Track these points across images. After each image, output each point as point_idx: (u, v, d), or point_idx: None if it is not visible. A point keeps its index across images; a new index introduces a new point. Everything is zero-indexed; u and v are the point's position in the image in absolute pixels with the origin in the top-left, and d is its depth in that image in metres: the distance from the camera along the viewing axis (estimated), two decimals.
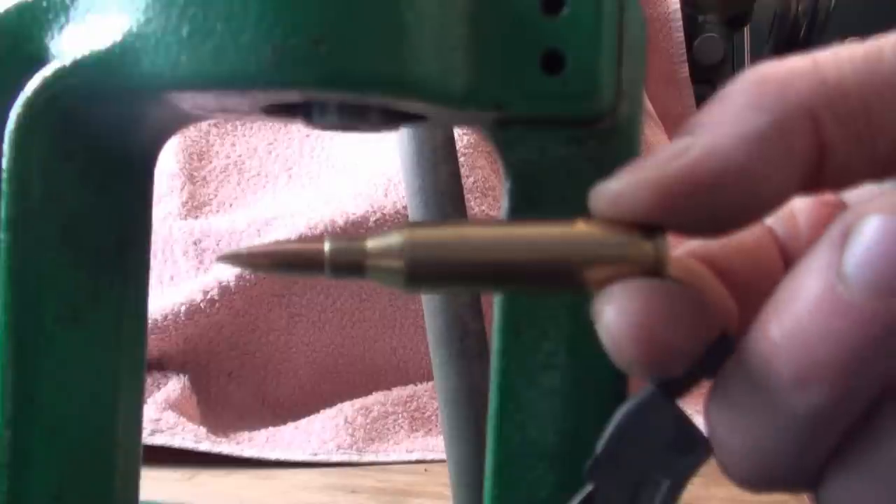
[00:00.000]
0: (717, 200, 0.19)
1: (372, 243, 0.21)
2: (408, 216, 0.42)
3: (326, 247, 0.21)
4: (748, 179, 0.19)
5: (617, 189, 0.20)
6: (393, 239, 0.21)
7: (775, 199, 0.20)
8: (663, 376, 0.21)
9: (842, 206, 0.24)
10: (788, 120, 0.19)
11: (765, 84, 0.19)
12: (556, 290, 0.23)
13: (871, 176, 0.20)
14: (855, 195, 0.24)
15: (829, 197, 0.25)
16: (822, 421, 0.19)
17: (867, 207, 0.18)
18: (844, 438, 0.19)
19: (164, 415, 0.62)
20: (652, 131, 0.93)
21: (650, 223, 0.20)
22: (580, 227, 0.21)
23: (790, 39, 1.23)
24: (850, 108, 0.19)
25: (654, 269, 0.20)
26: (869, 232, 0.18)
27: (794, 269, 0.19)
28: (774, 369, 0.19)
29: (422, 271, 0.21)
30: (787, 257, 0.25)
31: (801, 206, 0.25)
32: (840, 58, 0.19)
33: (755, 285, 0.24)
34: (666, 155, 0.20)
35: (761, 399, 0.19)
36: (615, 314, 0.20)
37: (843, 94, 0.19)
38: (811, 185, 0.20)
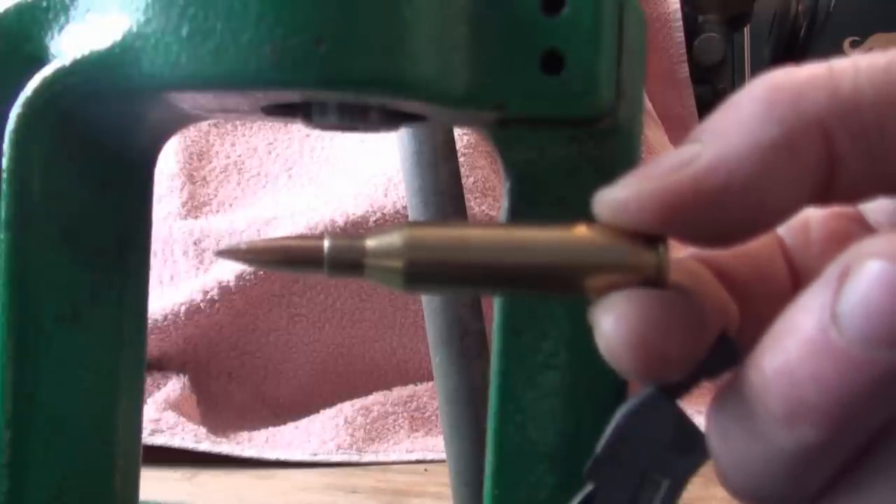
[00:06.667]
0: (722, 214, 0.19)
1: (371, 242, 0.21)
2: (408, 216, 0.42)
3: (326, 244, 0.21)
4: (754, 194, 0.19)
5: (620, 198, 0.20)
6: (393, 239, 0.21)
7: (782, 213, 0.19)
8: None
9: (858, 218, 0.24)
10: (799, 133, 0.18)
11: (777, 93, 0.19)
12: (555, 294, 0.23)
13: (883, 191, 0.20)
14: (871, 208, 0.24)
15: (844, 208, 0.24)
16: (813, 457, 0.18)
17: (869, 247, 0.17)
18: (840, 471, 0.19)
19: (164, 415, 0.62)
20: (652, 131, 0.93)
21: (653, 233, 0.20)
22: (581, 233, 0.21)
23: (790, 39, 1.23)
24: (863, 122, 0.18)
25: (655, 278, 0.20)
26: (866, 278, 0.17)
27: (793, 303, 0.18)
28: (764, 403, 0.18)
29: (421, 272, 0.21)
30: (794, 266, 0.25)
31: (814, 217, 0.25)
32: (858, 68, 0.19)
33: (756, 288, 0.24)
34: (671, 164, 0.19)
35: (752, 428, 0.19)
36: (612, 323, 0.19)
37: (856, 108, 0.18)
38: (821, 198, 0.19)
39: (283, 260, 0.21)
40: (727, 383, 0.20)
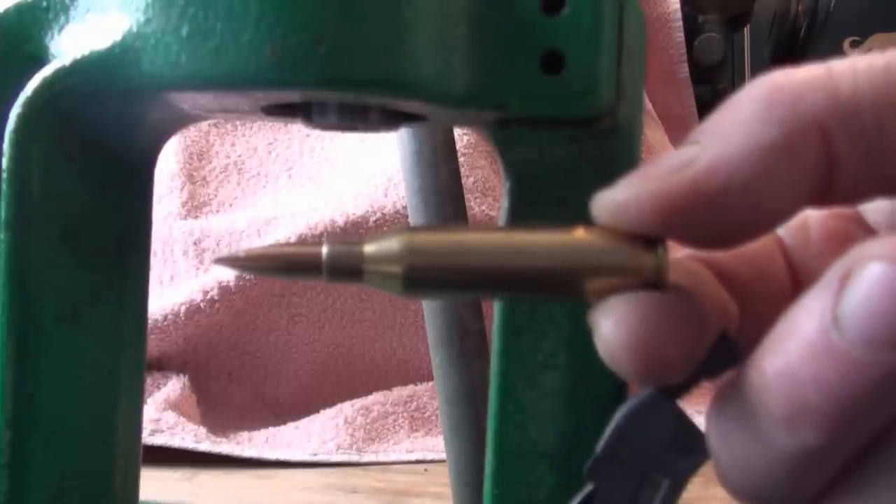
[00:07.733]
0: (722, 215, 0.19)
1: (370, 248, 0.21)
2: (408, 216, 0.42)
3: (324, 251, 0.21)
4: (753, 195, 0.19)
5: (619, 200, 0.20)
6: (391, 244, 0.21)
7: (781, 215, 0.19)
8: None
9: (856, 219, 0.24)
10: (798, 134, 0.18)
11: (776, 95, 0.19)
12: (555, 298, 0.23)
13: (881, 192, 0.20)
14: (870, 208, 0.24)
15: (843, 208, 0.24)
16: (814, 459, 0.18)
17: (870, 249, 0.17)
18: (841, 472, 0.19)
19: (164, 415, 0.62)
20: (652, 131, 0.93)
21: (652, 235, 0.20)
22: (580, 236, 0.21)
23: (790, 39, 1.23)
24: (862, 124, 0.18)
25: (655, 280, 0.20)
26: (867, 281, 0.17)
27: (794, 305, 0.18)
28: (765, 404, 0.18)
29: (420, 277, 0.21)
30: (794, 266, 0.25)
31: (813, 217, 0.25)
32: (857, 70, 0.19)
33: (756, 288, 0.24)
34: (670, 165, 0.19)
35: (752, 429, 0.19)
36: (612, 326, 0.19)
37: (855, 110, 0.18)
38: (820, 199, 0.19)
39: (281, 267, 0.21)
40: (727, 383, 0.20)
